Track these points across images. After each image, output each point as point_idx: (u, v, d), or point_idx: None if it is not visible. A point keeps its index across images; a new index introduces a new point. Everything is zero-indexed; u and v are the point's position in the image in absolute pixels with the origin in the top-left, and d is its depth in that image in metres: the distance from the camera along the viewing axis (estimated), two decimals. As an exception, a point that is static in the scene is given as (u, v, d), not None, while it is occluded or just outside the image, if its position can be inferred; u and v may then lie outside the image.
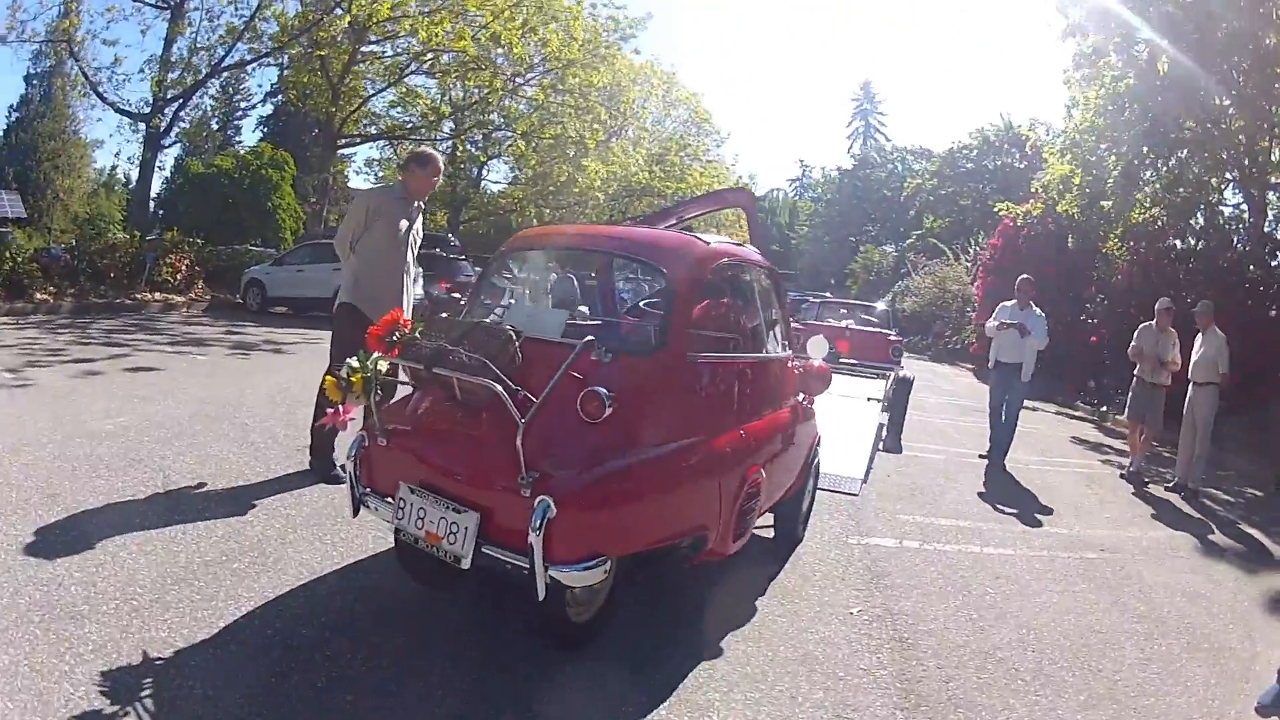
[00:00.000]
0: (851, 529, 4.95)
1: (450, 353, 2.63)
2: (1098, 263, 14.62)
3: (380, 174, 25.78)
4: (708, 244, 3.52)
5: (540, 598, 2.44)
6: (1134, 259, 13.03)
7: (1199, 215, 12.91)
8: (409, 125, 20.96)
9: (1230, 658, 3.71)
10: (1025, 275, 7.80)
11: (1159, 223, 12.44)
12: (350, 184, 27.90)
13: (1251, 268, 11.21)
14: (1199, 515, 6.57)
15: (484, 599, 3.28)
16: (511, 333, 2.72)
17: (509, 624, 3.08)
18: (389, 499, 2.83)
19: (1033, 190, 17.75)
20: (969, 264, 24.85)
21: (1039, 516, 5.89)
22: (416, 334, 2.83)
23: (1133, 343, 7.69)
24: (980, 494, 6.42)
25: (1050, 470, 7.79)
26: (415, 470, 2.79)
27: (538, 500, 2.44)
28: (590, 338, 2.73)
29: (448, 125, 21.05)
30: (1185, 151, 11.51)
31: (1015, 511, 5.92)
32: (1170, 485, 7.23)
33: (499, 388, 2.49)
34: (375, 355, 2.85)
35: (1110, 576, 4.67)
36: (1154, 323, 7.51)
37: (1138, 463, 7.68)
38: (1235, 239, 12.09)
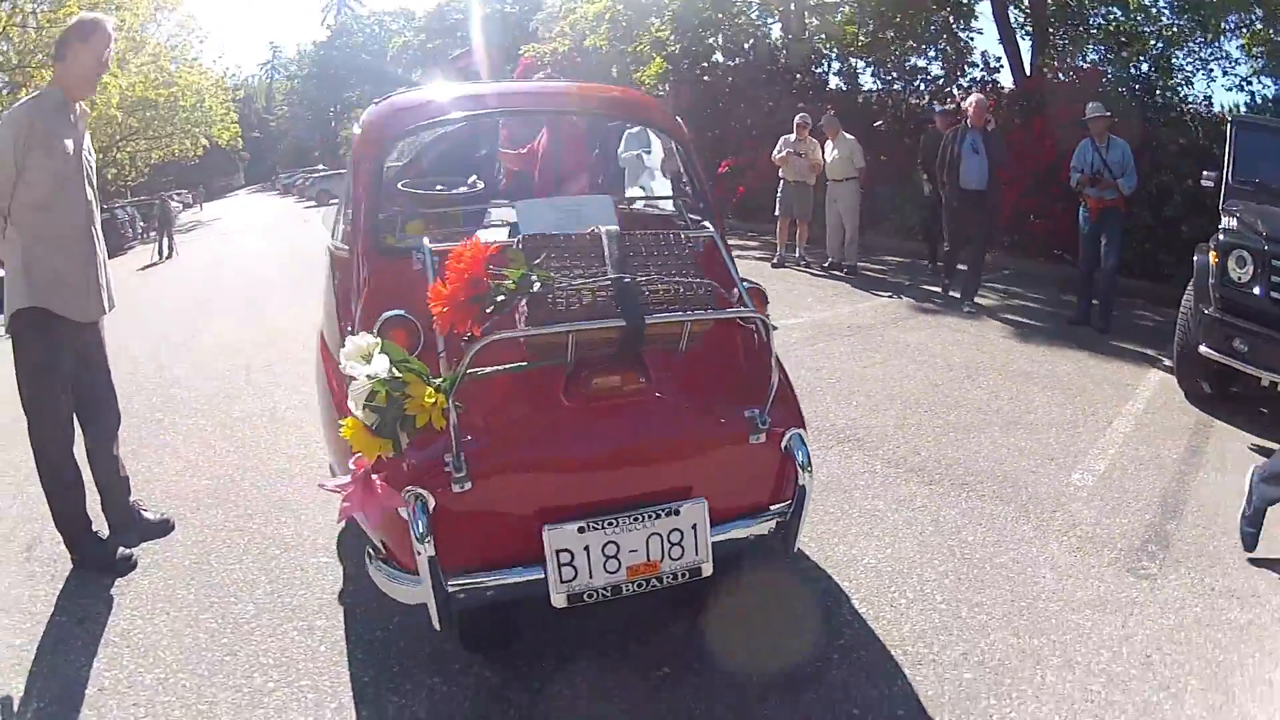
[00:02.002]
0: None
1: (649, 287, 1.77)
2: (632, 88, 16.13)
3: None
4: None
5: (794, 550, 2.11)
6: (678, 78, 14.69)
7: (719, 37, 14.91)
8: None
9: (1039, 378, 4.99)
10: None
11: (704, 45, 14.16)
12: None
13: (798, 75, 13.51)
14: (881, 284, 8.15)
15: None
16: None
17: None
18: (506, 568, 1.89)
19: (545, 32, 18.95)
20: None
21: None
22: (532, 275, 1.73)
23: (775, 150, 8.89)
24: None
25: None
26: (561, 497, 1.90)
27: (789, 435, 2.02)
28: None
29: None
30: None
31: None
32: (827, 265, 8.82)
33: (761, 317, 1.98)
34: (465, 343, 1.72)
35: (885, 344, 5.75)
36: (792, 135, 8.77)
37: (781, 253, 9.15)
38: (775, 53, 14.33)
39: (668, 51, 14.13)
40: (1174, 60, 10.31)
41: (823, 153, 8.69)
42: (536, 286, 1.70)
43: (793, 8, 13.74)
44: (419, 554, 1.76)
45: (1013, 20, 11.69)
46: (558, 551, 1.84)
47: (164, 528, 3.29)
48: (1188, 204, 7.45)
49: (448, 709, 2.13)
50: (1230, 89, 10.33)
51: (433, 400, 1.63)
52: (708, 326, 1.86)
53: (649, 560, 1.89)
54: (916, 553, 2.82)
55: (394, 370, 1.62)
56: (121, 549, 3.06)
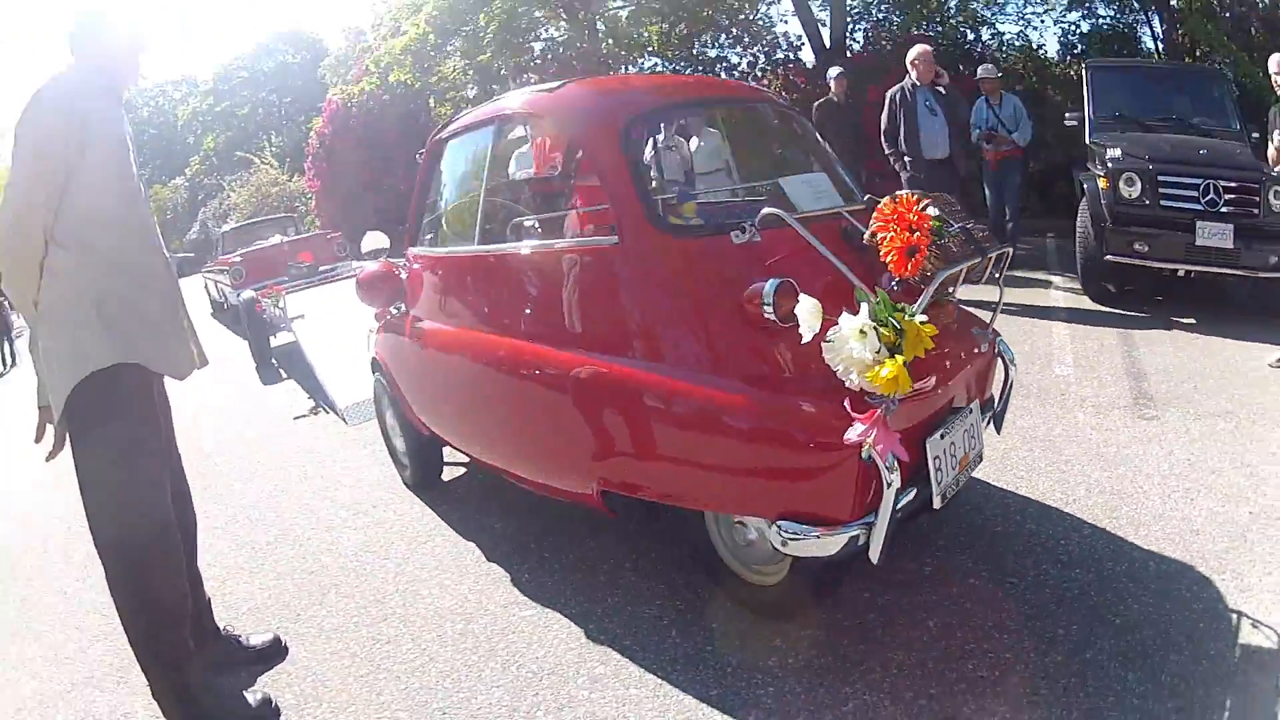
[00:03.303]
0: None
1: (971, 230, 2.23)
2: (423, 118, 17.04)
3: None
4: None
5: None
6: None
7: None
8: None
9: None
10: None
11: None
12: None
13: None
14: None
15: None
16: None
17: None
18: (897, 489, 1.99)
19: (334, 77, 19.35)
20: (274, 163, 26.98)
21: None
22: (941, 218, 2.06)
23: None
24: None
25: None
26: (925, 412, 2.21)
27: (998, 340, 2.66)
28: None
29: None
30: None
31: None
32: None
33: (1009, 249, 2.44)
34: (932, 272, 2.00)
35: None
36: (660, 134, 9.71)
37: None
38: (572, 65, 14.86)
39: (469, 77, 14.95)
40: (979, 14, 12.22)
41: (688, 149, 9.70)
42: (948, 231, 2.08)
43: (580, 17, 14.61)
44: (889, 485, 1.89)
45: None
46: (934, 458, 2.16)
47: (277, 651, 2.59)
48: (1031, 144, 8.87)
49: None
50: (1060, 35, 12.43)
51: (928, 328, 1.82)
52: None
53: (965, 453, 2.30)
54: (1007, 445, 3.72)
55: (890, 322, 1.80)
56: (249, 695, 2.32)
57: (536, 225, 3.26)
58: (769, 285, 1.99)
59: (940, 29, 12.17)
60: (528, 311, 2.70)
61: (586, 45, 14.69)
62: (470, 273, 3.12)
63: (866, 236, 2.14)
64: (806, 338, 1.82)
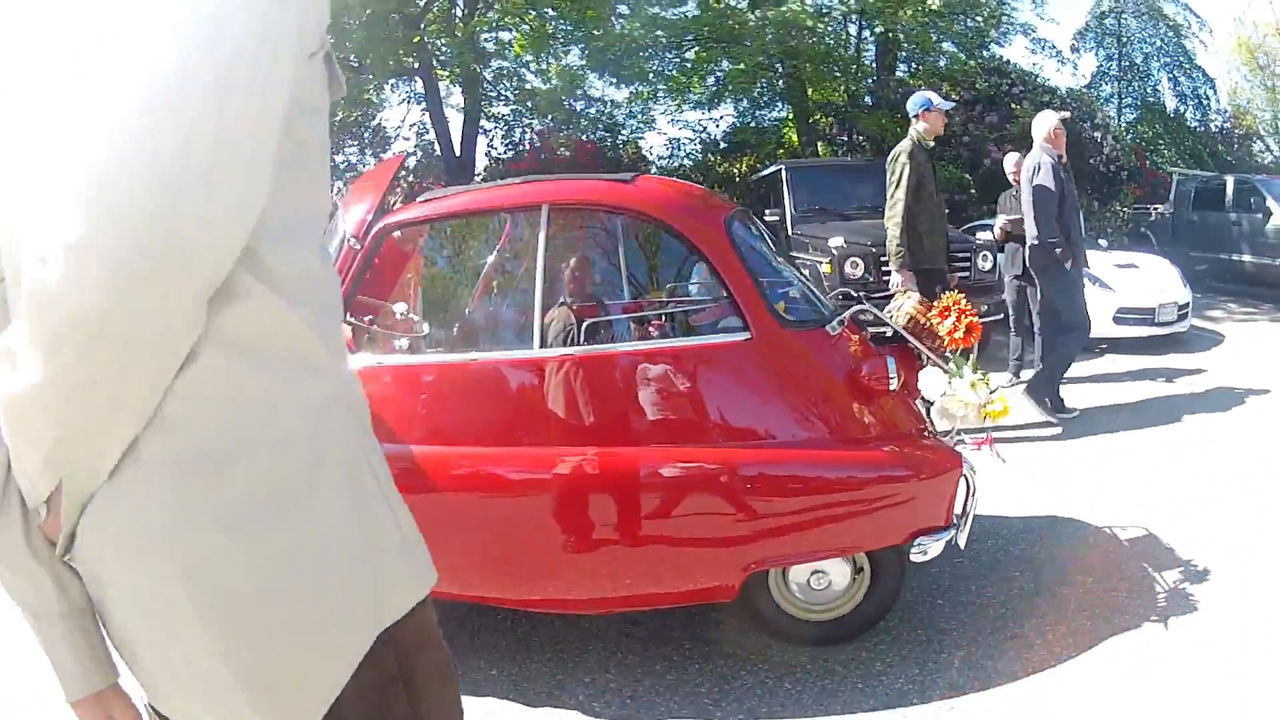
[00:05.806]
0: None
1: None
2: None
3: None
4: None
5: None
6: None
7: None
8: None
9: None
10: None
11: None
12: None
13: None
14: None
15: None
16: None
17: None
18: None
19: None
20: None
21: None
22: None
23: None
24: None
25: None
26: None
27: None
28: None
29: None
30: None
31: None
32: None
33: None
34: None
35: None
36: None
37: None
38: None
39: None
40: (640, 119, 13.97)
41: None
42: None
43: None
44: (973, 490, 2.75)
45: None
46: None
47: None
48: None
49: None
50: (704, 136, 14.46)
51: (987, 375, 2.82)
52: None
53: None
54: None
55: (969, 378, 2.75)
56: None
57: (630, 323, 3.38)
58: (890, 362, 2.64)
59: (599, 133, 13.50)
60: (639, 415, 2.64)
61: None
62: (531, 380, 2.75)
63: (903, 324, 2.95)
64: (935, 400, 2.71)
